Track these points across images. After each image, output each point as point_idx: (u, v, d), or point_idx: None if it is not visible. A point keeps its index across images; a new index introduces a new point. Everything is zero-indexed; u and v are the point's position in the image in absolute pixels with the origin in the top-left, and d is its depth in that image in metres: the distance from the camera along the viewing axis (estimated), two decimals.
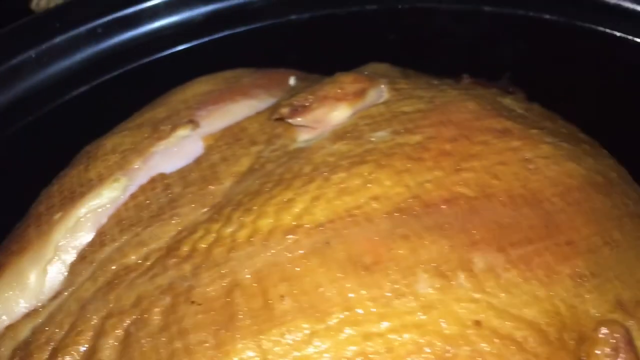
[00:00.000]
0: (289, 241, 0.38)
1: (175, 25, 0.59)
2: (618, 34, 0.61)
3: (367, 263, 0.37)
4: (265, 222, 0.39)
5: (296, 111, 0.44)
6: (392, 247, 0.38)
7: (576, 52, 0.63)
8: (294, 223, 0.39)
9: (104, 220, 0.43)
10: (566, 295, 0.38)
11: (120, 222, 0.43)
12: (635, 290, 0.40)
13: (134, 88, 0.56)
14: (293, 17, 0.62)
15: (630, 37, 0.61)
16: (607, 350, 0.35)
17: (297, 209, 0.40)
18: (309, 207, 0.39)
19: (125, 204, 0.43)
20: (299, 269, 0.37)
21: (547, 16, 0.64)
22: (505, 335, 0.36)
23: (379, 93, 0.48)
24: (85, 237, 0.42)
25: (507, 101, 0.51)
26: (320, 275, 0.37)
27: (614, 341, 0.35)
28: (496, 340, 0.36)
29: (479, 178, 0.42)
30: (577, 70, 0.63)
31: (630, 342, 0.35)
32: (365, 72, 0.50)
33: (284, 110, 0.44)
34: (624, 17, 0.61)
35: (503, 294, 0.37)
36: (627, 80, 0.63)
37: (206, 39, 0.60)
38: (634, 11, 0.60)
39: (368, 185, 0.40)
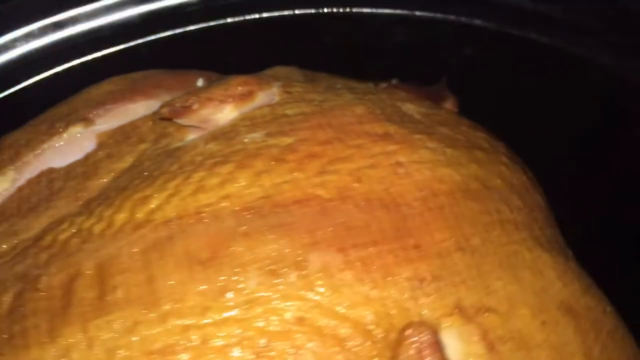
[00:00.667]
0: (136, 235, 0.40)
1: (111, 26, 0.61)
2: (545, 39, 0.61)
3: (203, 258, 0.39)
4: (121, 217, 0.41)
5: (176, 111, 0.46)
6: (231, 244, 0.39)
7: (508, 58, 0.63)
8: (144, 218, 0.41)
9: None
10: (400, 297, 0.39)
11: (3, 213, 0.45)
12: (482, 295, 0.41)
13: (68, 87, 0.59)
14: (229, 20, 0.64)
15: (561, 46, 0.61)
16: (411, 352, 0.36)
17: (152, 205, 0.41)
18: (162, 204, 0.41)
19: (11, 196, 0.46)
20: (136, 262, 0.39)
21: (479, 22, 0.64)
22: (327, 333, 0.37)
23: (270, 96, 0.49)
24: None
25: (408, 106, 0.52)
26: (155, 269, 0.38)
27: (419, 344, 0.36)
28: (317, 337, 0.37)
29: (340, 181, 0.43)
30: (510, 76, 0.63)
31: (434, 345, 0.36)
32: (265, 75, 0.52)
33: (164, 110, 0.46)
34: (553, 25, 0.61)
35: (332, 294, 0.38)
36: (561, 88, 0.62)
37: (141, 40, 0.62)
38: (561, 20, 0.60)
39: (224, 184, 0.42)
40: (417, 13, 0.67)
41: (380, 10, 0.66)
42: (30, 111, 0.55)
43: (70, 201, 0.44)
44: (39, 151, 0.47)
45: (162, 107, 0.47)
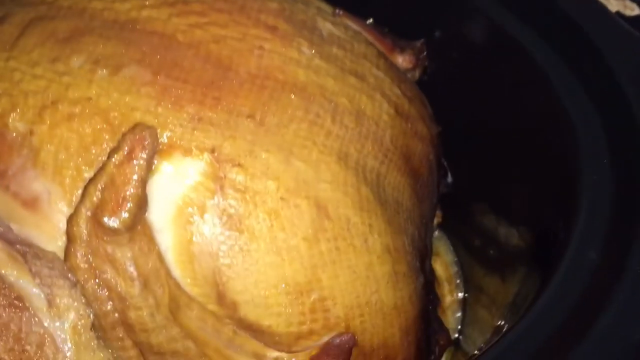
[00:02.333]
0: (52, 7, 0.53)
1: None
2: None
3: (59, 37, 0.51)
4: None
5: None
6: (84, 36, 0.51)
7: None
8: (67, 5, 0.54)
9: None
10: (172, 121, 0.48)
11: None
12: (241, 154, 0.48)
13: None
14: None
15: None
16: (127, 144, 0.45)
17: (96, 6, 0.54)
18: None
19: None
20: (25, 22, 0.52)
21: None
22: (101, 113, 0.48)
23: None
24: None
25: (326, 24, 0.59)
26: (28, 29, 0.52)
27: (135, 138, 0.45)
28: (94, 112, 0.48)
29: (201, 36, 0.52)
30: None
31: (149, 145, 0.45)
32: None
33: None
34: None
35: (123, 94, 0.49)
36: None
37: None
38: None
39: (116, 1, 0.54)
40: None
41: None
42: None
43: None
44: None
45: None
